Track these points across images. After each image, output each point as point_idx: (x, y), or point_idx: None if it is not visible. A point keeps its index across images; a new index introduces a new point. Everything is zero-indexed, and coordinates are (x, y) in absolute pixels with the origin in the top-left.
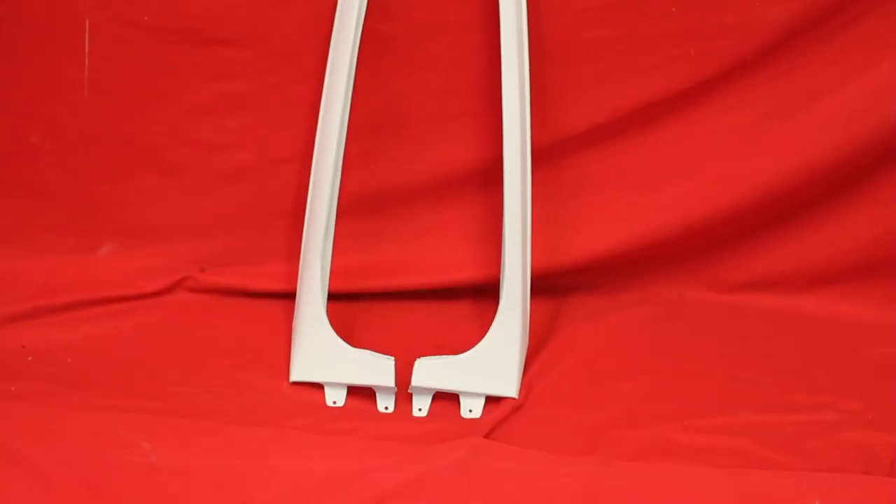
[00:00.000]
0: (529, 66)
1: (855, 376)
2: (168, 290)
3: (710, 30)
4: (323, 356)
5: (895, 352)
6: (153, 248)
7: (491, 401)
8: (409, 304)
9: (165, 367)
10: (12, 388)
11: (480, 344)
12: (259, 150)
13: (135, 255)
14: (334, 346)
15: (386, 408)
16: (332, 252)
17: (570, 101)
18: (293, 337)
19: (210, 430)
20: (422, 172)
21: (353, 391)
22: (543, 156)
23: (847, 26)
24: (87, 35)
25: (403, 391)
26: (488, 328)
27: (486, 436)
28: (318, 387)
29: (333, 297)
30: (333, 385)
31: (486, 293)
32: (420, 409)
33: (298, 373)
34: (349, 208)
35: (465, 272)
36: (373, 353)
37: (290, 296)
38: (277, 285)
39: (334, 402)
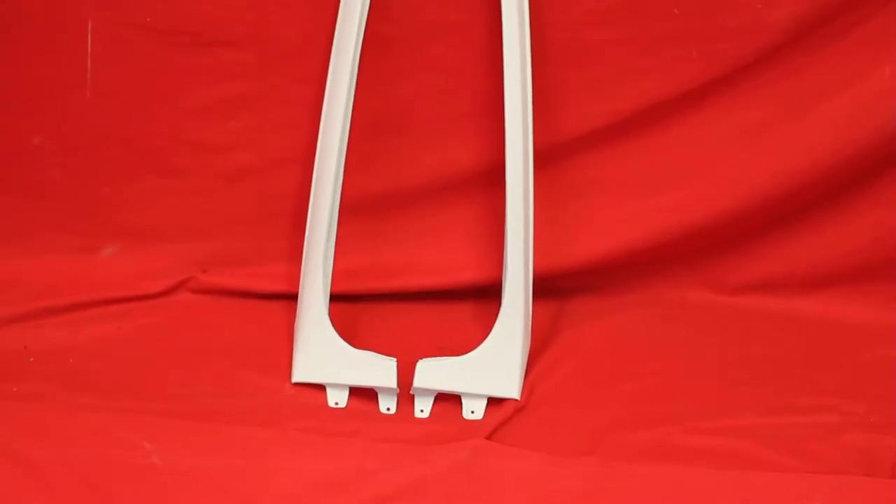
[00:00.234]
0: (531, 67)
1: (857, 378)
2: (170, 291)
3: (713, 32)
4: (325, 357)
5: None
6: (155, 249)
7: (493, 402)
8: (411, 306)
9: (167, 368)
10: (14, 389)
11: (482, 345)
12: (261, 151)
13: (137, 256)
14: (336, 347)
15: (388, 409)
16: (335, 253)
17: (572, 103)
18: (295, 338)
19: (212, 430)
20: (424, 174)
21: (355, 392)
22: (545, 157)
23: (849, 29)
24: (89, 36)
25: (405, 392)
26: (490, 329)
27: (488, 437)
28: (320, 388)
29: (335, 298)
30: (335, 386)
31: (488, 294)
32: (422, 411)
33: (300, 374)
34: (351, 209)
35: (468, 273)
36: (375, 354)
37: (292, 297)
38: (279, 286)
39: (336, 404)
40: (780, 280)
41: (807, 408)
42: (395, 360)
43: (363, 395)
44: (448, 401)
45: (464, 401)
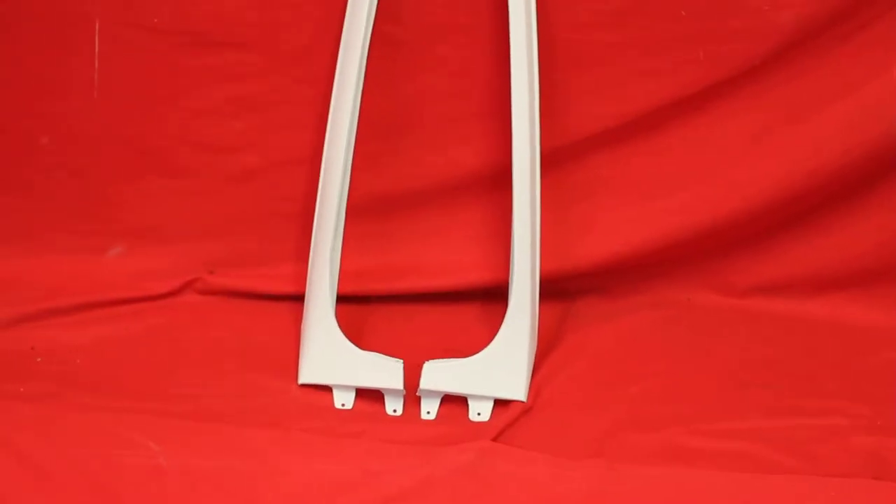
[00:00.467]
0: (539, 69)
1: (864, 381)
2: (177, 291)
3: (720, 34)
4: (331, 358)
5: None
6: (162, 250)
7: (499, 404)
8: (417, 307)
9: (174, 369)
10: (21, 389)
11: (489, 347)
12: (268, 152)
13: (143, 257)
14: (343, 348)
15: (394, 410)
16: (341, 254)
17: (580, 105)
18: (302, 339)
19: (218, 431)
20: (431, 175)
21: (362, 394)
22: (552, 159)
23: (856, 31)
24: (96, 37)
25: (412, 394)
26: (497, 331)
27: (495, 439)
28: (327, 389)
29: (342, 299)
30: (342, 387)
31: (495, 296)
32: (428, 412)
33: (307, 375)
34: (358, 210)
35: (474, 275)
36: (381, 355)
37: (298, 298)
38: (286, 287)
39: (343, 405)
40: (786, 282)
41: (813, 410)
42: (401, 361)
43: (369, 396)
44: (454, 402)
45: (470, 402)
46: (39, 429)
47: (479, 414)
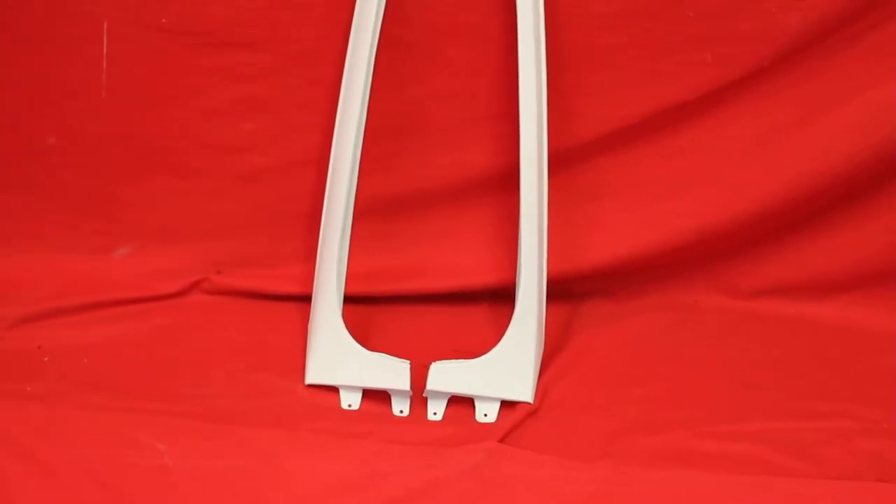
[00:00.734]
0: (546, 70)
1: (871, 384)
2: (184, 291)
3: (728, 36)
4: (338, 359)
5: None
6: (169, 250)
7: (506, 405)
8: (424, 308)
9: (181, 369)
10: (28, 389)
11: (496, 348)
12: (276, 152)
13: (151, 257)
14: (350, 349)
15: (401, 411)
16: (349, 255)
17: (588, 107)
18: (309, 339)
19: (224, 431)
20: (438, 176)
21: (369, 394)
22: (560, 160)
23: (864, 33)
24: (105, 37)
25: (418, 395)
26: (504, 332)
27: (501, 440)
28: (334, 390)
29: (349, 299)
30: (348, 388)
31: (502, 297)
32: (435, 413)
33: (314, 375)
34: (366, 211)
35: (481, 276)
36: (388, 356)
37: (305, 298)
38: (293, 288)
39: (349, 406)
40: (793, 284)
41: (819, 413)
42: (408, 362)
43: (376, 397)
44: (461, 403)
45: (477, 404)
46: (46, 428)
47: (485, 415)
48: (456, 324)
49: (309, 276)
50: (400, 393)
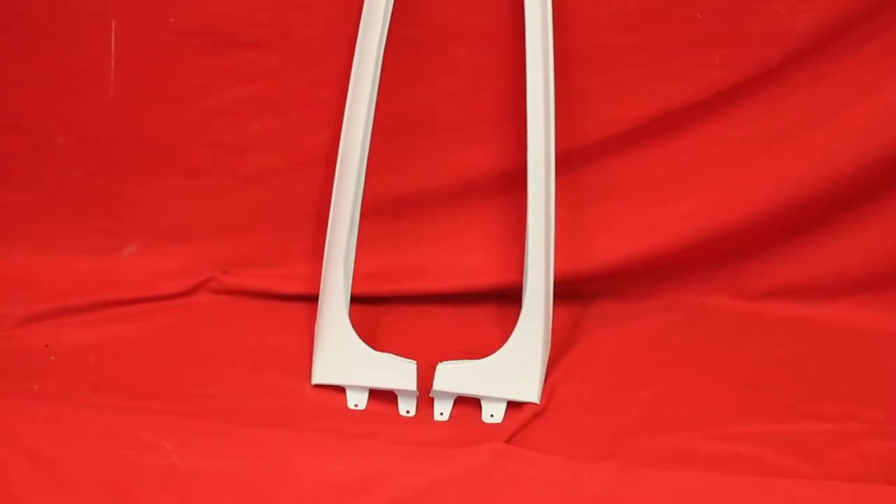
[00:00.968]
0: (554, 71)
1: (877, 386)
2: (191, 291)
3: (736, 38)
4: (345, 359)
5: None
6: (176, 250)
7: (512, 406)
8: (431, 308)
9: (187, 369)
10: (35, 388)
11: (502, 349)
12: (283, 152)
13: (158, 257)
14: (356, 349)
15: (407, 411)
16: (356, 255)
17: (595, 107)
18: (315, 339)
19: (231, 431)
20: (446, 176)
21: (375, 394)
22: (567, 161)
23: (873, 36)
24: (113, 37)
25: (425, 395)
26: (510, 333)
27: (507, 441)
28: (340, 390)
29: (356, 299)
30: (355, 388)
31: (509, 298)
32: (441, 414)
33: (320, 375)
34: (373, 211)
35: (488, 277)
36: (395, 356)
37: (312, 298)
38: (300, 288)
39: (356, 406)
40: (800, 286)
41: (826, 415)
42: (415, 362)
43: (383, 397)
44: (467, 404)
45: (483, 404)
46: (53, 427)
47: (492, 416)
48: (462, 324)
49: (316, 276)
50: (406, 393)
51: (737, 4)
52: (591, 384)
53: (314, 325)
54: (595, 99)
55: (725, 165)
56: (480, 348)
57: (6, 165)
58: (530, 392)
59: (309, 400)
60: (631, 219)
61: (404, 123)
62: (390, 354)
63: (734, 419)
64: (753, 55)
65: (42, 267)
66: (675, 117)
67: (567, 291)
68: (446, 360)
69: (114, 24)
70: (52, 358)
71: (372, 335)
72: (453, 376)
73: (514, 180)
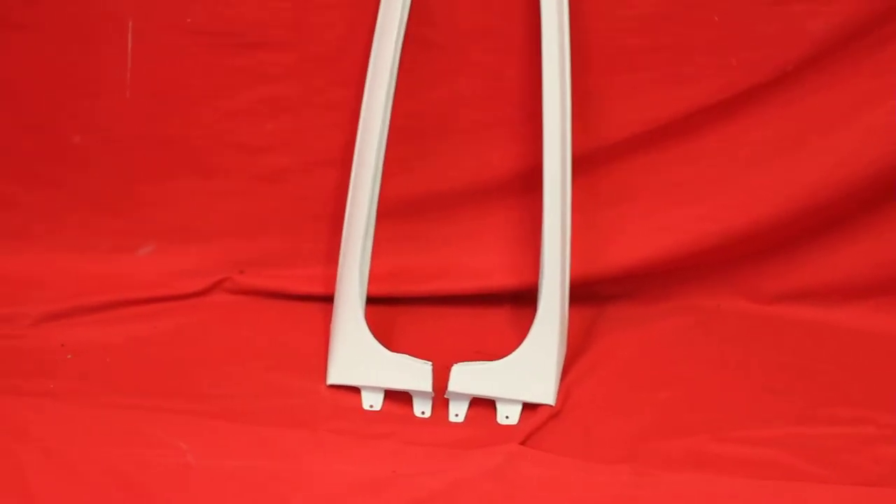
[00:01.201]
0: (570, 73)
1: (893, 390)
2: (207, 291)
3: (752, 41)
4: (360, 360)
5: None
6: (192, 249)
7: (528, 407)
8: (447, 309)
9: (202, 369)
10: (51, 386)
11: (518, 350)
12: (299, 153)
13: (174, 256)
14: (372, 349)
15: (422, 412)
16: (371, 256)
17: (611, 109)
18: (331, 340)
19: (246, 431)
20: (461, 177)
21: (390, 395)
22: (583, 163)
23: (888, 40)
24: (129, 37)
25: (440, 396)
26: (526, 335)
27: (522, 443)
28: (355, 390)
29: (371, 300)
30: (370, 389)
31: (525, 299)
32: (457, 415)
33: (336, 376)
34: (388, 212)
35: (504, 278)
36: (410, 357)
37: (328, 299)
38: (316, 288)
39: (371, 406)
40: (816, 290)
41: (842, 419)
42: (430, 363)
43: (398, 398)
44: (483, 405)
45: (498, 406)
46: (68, 426)
47: (507, 417)
48: (478, 325)
49: (331, 277)
50: (422, 394)
51: (753, 7)
52: (606, 386)
53: (329, 325)
54: (611, 101)
55: (741, 168)
56: (496, 350)
57: (23, 164)
58: (546, 394)
59: (324, 400)
60: (646, 221)
61: (420, 124)
62: (406, 355)
63: (749, 422)
64: (770, 58)
65: (58, 266)
66: (691, 120)
67: (583, 293)
68: (462, 361)
69: (130, 23)
70: (68, 357)
71: (387, 336)
72: (469, 377)
73: (530, 182)
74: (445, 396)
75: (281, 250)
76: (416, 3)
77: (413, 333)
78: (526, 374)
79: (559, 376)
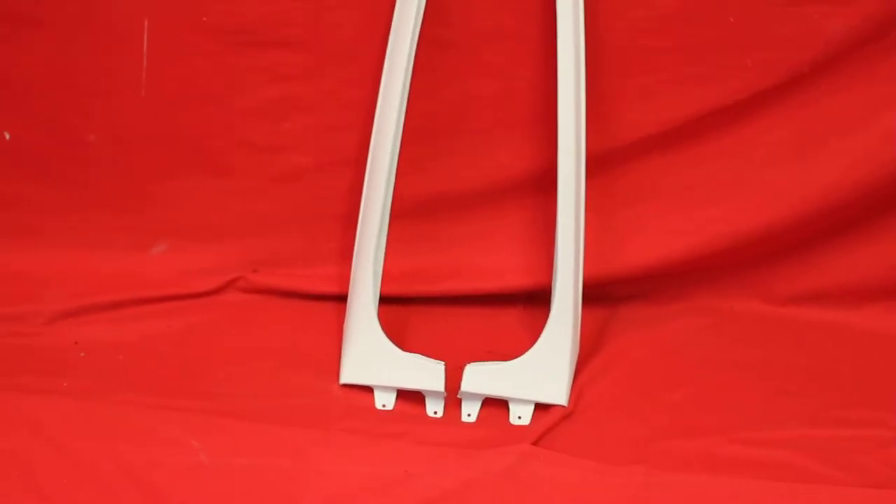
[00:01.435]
0: (585, 73)
1: None
2: (220, 290)
3: (768, 42)
4: (373, 359)
5: None
6: (206, 248)
7: (540, 408)
8: (460, 309)
9: (216, 367)
10: (64, 384)
11: (531, 351)
12: (314, 152)
13: (187, 255)
14: (385, 349)
15: (435, 412)
16: (385, 255)
17: (626, 110)
18: (344, 339)
19: (259, 430)
20: (475, 178)
21: (403, 395)
22: (597, 164)
23: None
24: (145, 35)
25: (453, 396)
26: (539, 335)
27: (535, 443)
28: (368, 390)
29: (385, 300)
30: (383, 388)
31: (538, 300)
32: (469, 415)
33: (348, 375)
34: (402, 212)
35: (517, 278)
36: (423, 357)
37: (341, 298)
38: (329, 287)
39: (383, 406)
40: (830, 291)
41: (856, 421)
42: (443, 363)
43: (410, 397)
44: (495, 405)
45: (511, 406)
46: (81, 424)
47: (519, 417)
48: (491, 325)
49: (345, 276)
50: (434, 394)
51: (769, 8)
52: (619, 387)
53: (343, 324)
54: (626, 102)
55: (756, 170)
56: (509, 350)
57: (38, 162)
58: (558, 394)
59: (337, 399)
60: (660, 222)
61: (435, 124)
62: (418, 355)
63: (762, 424)
64: (785, 59)
65: (72, 264)
66: (707, 121)
67: (596, 294)
68: (474, 361)
69: (146, 22)
70: (82, 355)
71: (400, 336)
72: (481, 377)
73: (544, 182)
74: (458, 396)
75: (294, 249)
76: (431, 3)
77: (426, 333)
78: (539, 374)
79: (572, 377)
